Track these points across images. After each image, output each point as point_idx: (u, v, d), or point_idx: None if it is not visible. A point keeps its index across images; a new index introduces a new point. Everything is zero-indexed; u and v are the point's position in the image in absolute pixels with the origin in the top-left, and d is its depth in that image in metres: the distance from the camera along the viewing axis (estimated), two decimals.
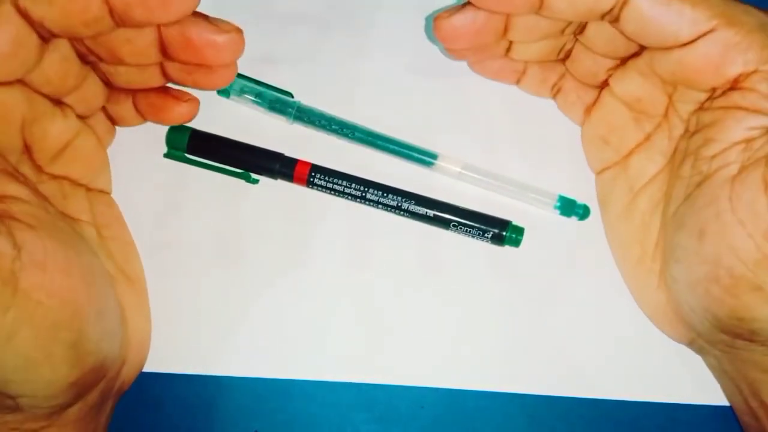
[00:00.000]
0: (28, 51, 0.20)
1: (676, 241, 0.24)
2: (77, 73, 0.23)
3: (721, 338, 0.23)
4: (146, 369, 0.26)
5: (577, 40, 0.25)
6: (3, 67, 0.20)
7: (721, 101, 0.22)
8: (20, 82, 0.21)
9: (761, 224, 0.20)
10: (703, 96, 0.23)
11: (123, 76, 0.24)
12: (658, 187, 0.25)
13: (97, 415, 0.23)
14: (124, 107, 0.26)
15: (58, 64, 0.22)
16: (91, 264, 0.23)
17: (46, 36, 0.21)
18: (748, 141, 0.21)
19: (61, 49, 0.22)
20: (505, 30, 0.24)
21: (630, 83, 0.25)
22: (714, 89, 0.22)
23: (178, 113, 0.26)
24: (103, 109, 0.26)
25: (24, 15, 0.20)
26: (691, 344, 0.26)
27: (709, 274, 0.22)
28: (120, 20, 0.20)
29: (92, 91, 0.24)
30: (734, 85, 0.22)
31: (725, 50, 0.21)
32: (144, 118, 0.26)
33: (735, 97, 0.22)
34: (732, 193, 0.21)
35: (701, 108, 0.23)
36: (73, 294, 0.21)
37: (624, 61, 0.25)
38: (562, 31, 0.24)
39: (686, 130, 0.24)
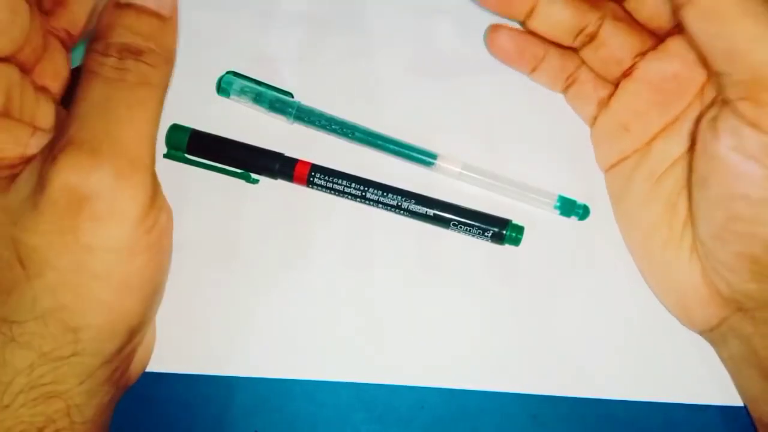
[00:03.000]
0: (24, 20, 0.22)
1: (693, 203, 0.24)
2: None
3: (765, 294, 0.23)
4: (146, 369, 0.26)
5: (601, 24, 0.26)
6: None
7: None
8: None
9: (752, 144, 0.21)
10: None
11: None
12: (684, 167, 0.25)
13: (109, 404, 0.24)
14: None
15: None
16: None
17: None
18: None
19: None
20: None
21: (667, 62, 0.25)
22: None
23: None
24: None
25: None
26: (718, 326, 0.25)
27: (730, 214, 0.22)
28: None
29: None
30: None
31: None
32: None
33: None
34: (714, 130, 0.22)
35: None
36: (170, 254, 0.24)
37: (662, 38, 0.25)
38: None
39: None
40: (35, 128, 0.23)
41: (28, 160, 0.22)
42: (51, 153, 0.20)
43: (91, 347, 0.21)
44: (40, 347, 0.20)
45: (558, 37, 0.27)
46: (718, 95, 0.23)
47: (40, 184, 0.20)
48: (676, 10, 0.22)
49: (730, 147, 0.22)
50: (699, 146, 0.23)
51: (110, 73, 0.20)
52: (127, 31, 0.21)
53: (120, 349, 0.22)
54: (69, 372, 0.21)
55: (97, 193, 0.20)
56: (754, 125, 0.21)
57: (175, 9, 0.22)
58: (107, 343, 0.22)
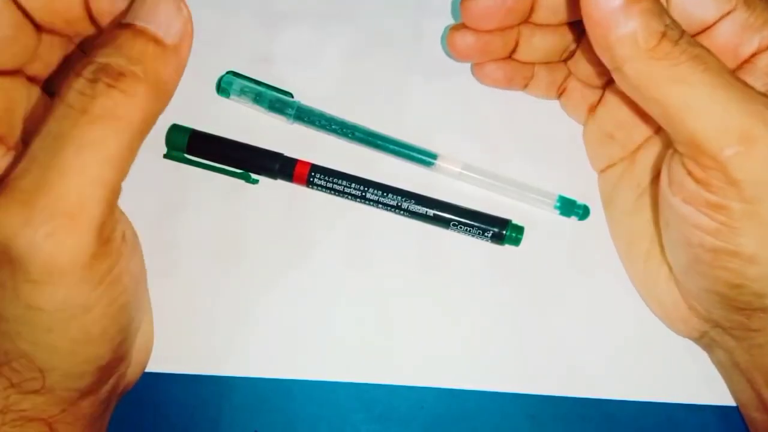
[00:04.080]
0: (27, 37, 0.20)
1: (663, 239, 0.24)
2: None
3: (737, 320, 0.23)
4: (146, 369, 0.26)
5: (581, 40, 0.26)
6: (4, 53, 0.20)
7: None
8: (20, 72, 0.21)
9: (701, 199, 0.21)
10: None
11: None
12: None
13: (104, 414, 0.23)
14: None
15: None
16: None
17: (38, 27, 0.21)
18: None
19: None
20: (531, 11, 0.25)
21: None
22: None
23: None
24: None
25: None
26: (701, 338, 0.26)
27: (691, 256, 0.22)
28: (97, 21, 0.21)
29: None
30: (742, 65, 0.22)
31: (742, 30, 0.22)
32: None
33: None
34: (668, 178, 0.22)
35: None
36: (140, 281, 0.22)
37: None
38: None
39: None
40: (8, 148, 0.21)
41: None
42: None
43: (62, 385, 0.20)
44: (9, 378, 0.19)
45: (544, 59, 0.27)
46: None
47: None
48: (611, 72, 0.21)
49: (683, 199, 0.22)
50: (659, 191, 0.23)
51: (73, 99, 0.17)
52: (114, 50, 0.18)
53: (98, 381, 0.21)
54: (46, 402, 0.20)
55: (27, 254, 0.17)
56: (699, 182, 0.21)
57: (185, 38, 0.19)
58: (78, 380, 0.21)
